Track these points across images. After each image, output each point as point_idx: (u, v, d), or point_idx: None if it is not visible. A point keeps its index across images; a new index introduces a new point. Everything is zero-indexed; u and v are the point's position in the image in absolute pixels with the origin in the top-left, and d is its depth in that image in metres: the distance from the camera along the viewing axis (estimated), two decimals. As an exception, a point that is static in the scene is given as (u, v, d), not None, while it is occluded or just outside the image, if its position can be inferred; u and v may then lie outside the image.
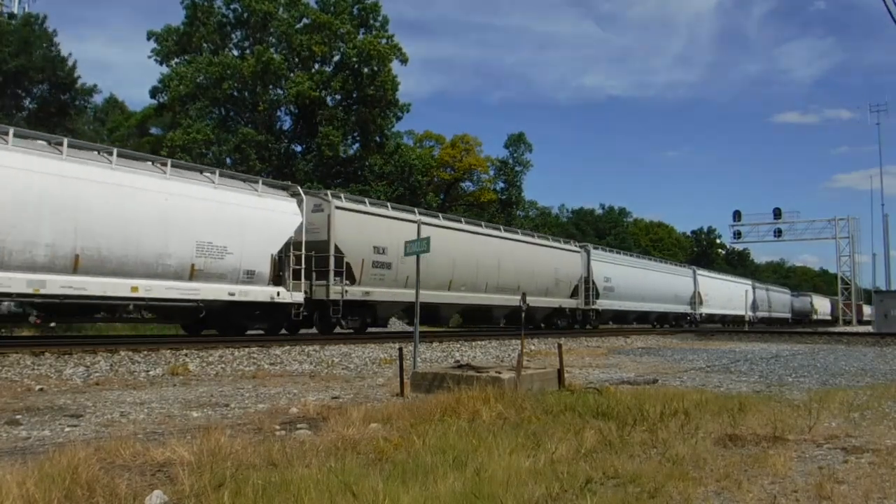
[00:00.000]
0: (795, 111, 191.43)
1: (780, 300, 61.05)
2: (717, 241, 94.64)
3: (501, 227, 26.66)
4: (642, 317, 37.74)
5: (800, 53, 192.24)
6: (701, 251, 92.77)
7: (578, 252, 30.44)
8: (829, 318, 73.21)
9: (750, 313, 47.40)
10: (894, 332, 28.10)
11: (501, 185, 51.09)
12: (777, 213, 62.77)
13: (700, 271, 45.04)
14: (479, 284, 22.67)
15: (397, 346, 9.87)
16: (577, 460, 4.24)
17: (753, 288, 51.20)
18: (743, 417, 5.86)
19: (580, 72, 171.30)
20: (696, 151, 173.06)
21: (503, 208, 49.67)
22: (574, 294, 29.17)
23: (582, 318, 29.98)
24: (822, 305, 74.32)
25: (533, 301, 23.05)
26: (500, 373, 7.25)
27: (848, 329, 43.50)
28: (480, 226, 24.55)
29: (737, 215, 64.34)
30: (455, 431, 4.97)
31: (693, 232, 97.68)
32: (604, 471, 3.99)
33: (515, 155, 50.49)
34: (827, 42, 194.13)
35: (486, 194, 49.50)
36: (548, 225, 65.15)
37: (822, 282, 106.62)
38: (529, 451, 4.39)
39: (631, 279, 34.28)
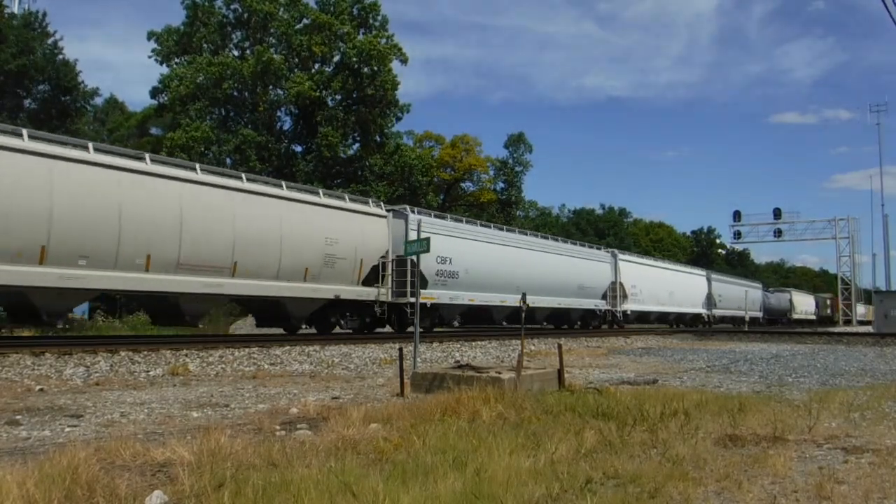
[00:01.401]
0: (795, 111, 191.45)
1: (747, 295, 53.91)
2: (717, 241, 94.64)
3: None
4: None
5: (800, 53, 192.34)
6: (701, 251, 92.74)
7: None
8: (813, 317, 68.34)
9: (705, 310, 43.67)
10: (894, 333, 28.10)
11: (501, 185, 51.14)
12: (777, 214, 62.79)
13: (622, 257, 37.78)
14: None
15: (397, 346, 9.87)
16: (577, 460, 4.24)
17: (709, 280, 45.60)
18: (743, 418, 5.85)
19: (580, 72, 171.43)
20: (696, 151, 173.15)
21: (503, 208, 49.69)
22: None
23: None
24: (803, 303, 68.50)
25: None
26: (500, 373, 7.25)
27: (848, 329, 43.48)
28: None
29: (737, 215, 64.37)
30: (455, 431, 4.97)
31: (693, 232, 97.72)
32: (604, 471, 3.99)
33: (515, 155, 50.54)
34: (827, 42, 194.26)
35: (486, 194, 49.53)
36: (548, 225, 65.19)
37: (822, 282, 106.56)
38: (529, 452, 4.39)
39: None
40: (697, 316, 42.92)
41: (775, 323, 57.47)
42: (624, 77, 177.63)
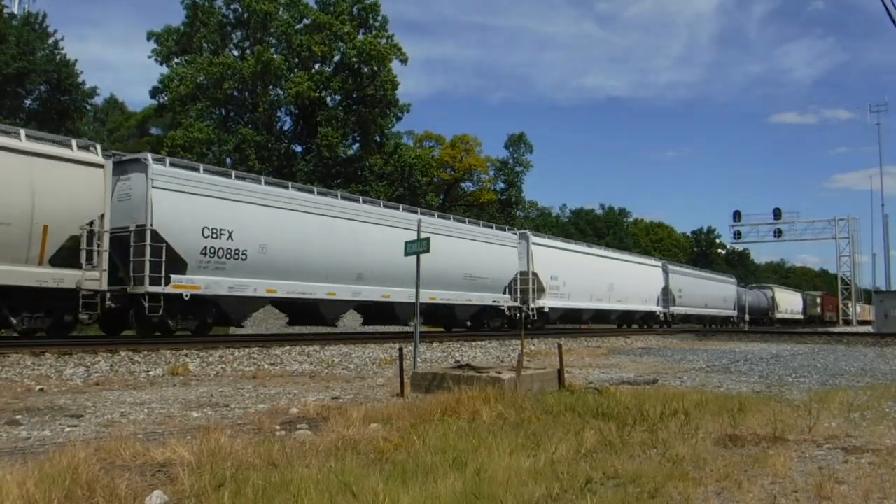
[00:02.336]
0: (795, 111, 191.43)
1: (716, 292, 46.34)
2: (717, 241, 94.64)
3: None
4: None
5: (800, 53, 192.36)
6: (701, 251, 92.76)
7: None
8: (800, 316, 62.96)
9: (660, 308, 37.06)
10: (894, 333, 28.11)
11: (501, 185, 51.14)
12: (777, 214, 62.79)
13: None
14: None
15: (397, 346, 9.87)
16: (577, 460, 4.24)
17: (666, 272, 38.23)
18: (743, 418, 5.86)
19: (580, 72, 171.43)
20: (696, 151, 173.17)
21: (503, 208, 49.70)
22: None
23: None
24: (787, 301, 62.16)
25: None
26: (500, 373, 7.25)
27: (848, 329, 43.43)
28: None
29: (737, 215, 64.37)
30: (455, 432, 4.97)
31: (693, 232, 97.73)
32: (604, 471, 3.99)
33: (516, 155, 50.54)
34: (827, 42, 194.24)
35: (486, 194, 49.54)
36: (548, 225, 65.17)
37: (822, 282, 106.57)
38: (529, 452, 4.39)
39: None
40: (651, 315, 36.55)
41: (754, 323, 51.57)
42: (624, 77, 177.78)
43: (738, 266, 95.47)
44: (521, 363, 7.47)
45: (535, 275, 25.53)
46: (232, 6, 39.03)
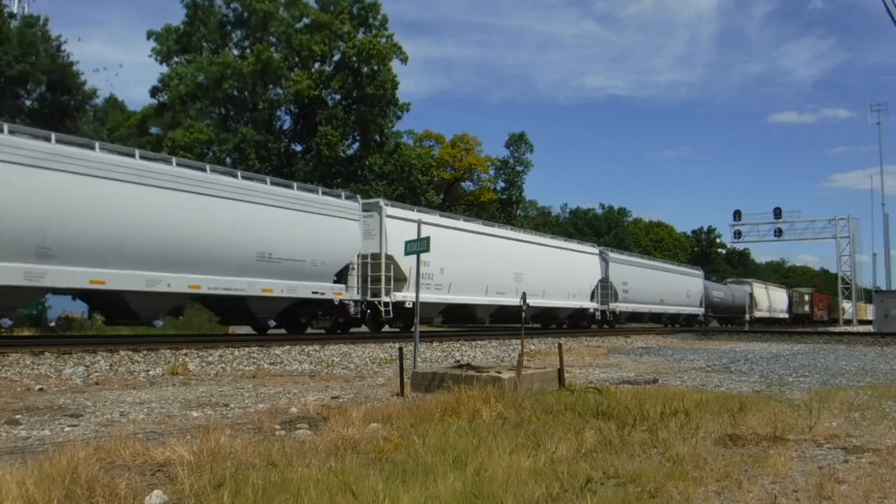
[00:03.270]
0: (795, 111, 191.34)
1: (676, 286, 38.90)
2: (718, 240, 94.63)
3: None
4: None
5: (801, 53, 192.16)
6: (701, 251, 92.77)
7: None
8: (785, 315, 57.29)
9: (595, 304, 30.80)
10: (894, 332, 28.10)
11: (502, 184, 51.17)
12: (777, 213, 62.69)
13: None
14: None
15: (397, 345, 9.87)
16: (577, 460, 4.24)
17: (605, 260, 31.58)
18: (743, 417, 5.85)
19: (581, 72, 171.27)
20: (696, 151, 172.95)
21: (503, 208, 49.72)
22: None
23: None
24: (768, 298, 55.31)
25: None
26: (500, 373, 7.25)
27: (848, 329, 43.42)
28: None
29: (737, 215, 64.28)
30: (455, 431, 4.97)
31: (693, 232, 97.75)
32: (604, 471, 3.99)
33: (516, 155, 50.57)
34: (828, 42, 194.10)
35: (486, 194, 49.55)
36: (548, 225, 65.19)
37: (822, 282, 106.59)
38: (529, 451, 4.38)
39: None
40: (582, 312, 30.25)
41: (727, 323, 47.09)
42: (624, 77, 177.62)
43: (739, 265, 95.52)
44: (521, 363, 7.47)
45: (389, 258, 19.31)
46: (232, 5, 39.08)
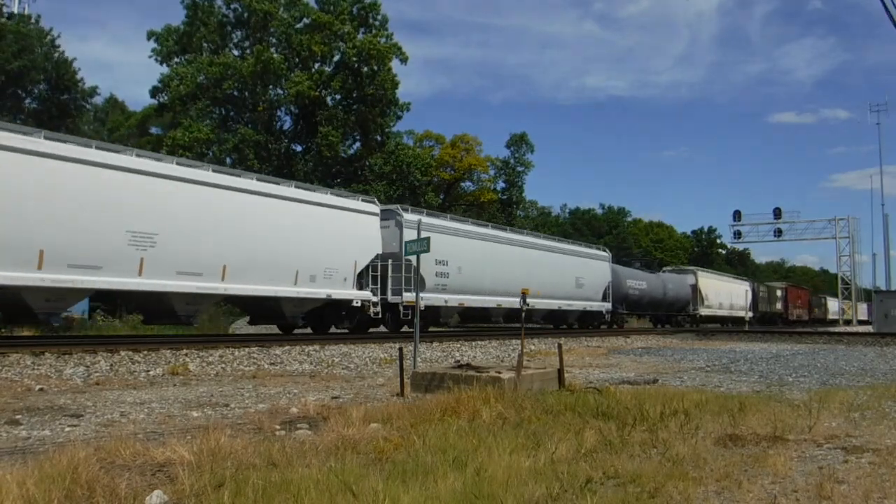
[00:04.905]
0: (794, 111, 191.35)
1: (565, 274, 28.05)
2: (718, 241, 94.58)
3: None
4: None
5: (801, 53, 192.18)
6: (701, 251, 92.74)
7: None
8: (745, 314, 44.44)
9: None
10: (894, 332, 28.10)
11: (502, 185, 51.17)
12: (777, 213, 62.76)
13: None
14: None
15: (397, 346, 9.87)
16: (577, 460, 4.24)
17: (400, 225, 20.06)
18: (743, 417, 5.85)
19: (581, 72, 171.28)
20: (696, 151, 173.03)
21: (504, 208, 49.71)
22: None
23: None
24: (721, 292, 44.69)
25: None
26: (500, 373, 7.25)
27: (848, 329, 43.38)
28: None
29: (737, 215, 64.33)
30: (455, 431, 4.97)
31: (693, 232, 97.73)
32: (604, 471, 3.99)
33: (517, 155, 50.55)
34: (828, 42, 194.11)
35: (486, 194, 49.54)
36: (547, 225, 65.20)
37: (822, 282, 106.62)
38: (529, 451, 4.39)
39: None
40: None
41: (662, 323, 38.54)
42: (625, 77, 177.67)
43: (739, 266, 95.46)
44: (521, 363, 7.47)
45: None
46: (232, 6, 39.08)
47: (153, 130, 43.24)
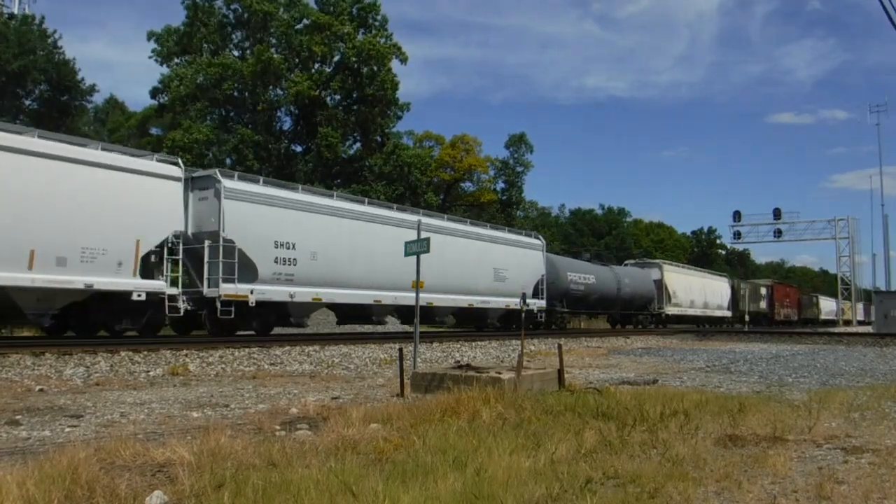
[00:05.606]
0: (794, 111, 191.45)
1: (482, 264, 23.25)
2: (718, 241, 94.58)
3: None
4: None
5: (801, 54, 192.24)
6: (701, 252, 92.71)
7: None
8: (722, 313, 42.94)
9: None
10: (894, 333, 28.10)
11: (502, 185, 51.17)
12: (777, 214, 62.82)
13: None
14: None
15: (397, 346, 9.87)
16: (577, 460, 4.24)
17: (219, 195, 15.54)
18: (743, 418, 5.85)
19: (581, 72, 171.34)
20: (696, 151, 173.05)
21: (503, 209, 49.72)
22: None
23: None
24: (691, 289, 39.80)
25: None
26: (500, 373, 7.25)
27: (848, 329, 43.33)
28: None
29: (737, 215, 64.40)
30: (455, 432, 4.97)
31: (693, 232, 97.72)
32: (604, 471, 3.99)
33: (516, 155, 50.56)
34: (828, 42, 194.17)
35: (485, 195, 49.54)
36: (547, 225, 65.17)
37: (822, 282, 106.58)
38: (529, 452, 4.39)
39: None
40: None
41: (622, 323, 34.75)
42: (625, 77, 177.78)
43: (739, 266, 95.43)
44: (521, 363, 7.47)
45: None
46: (232, 6, 39.07)
47: (153, 131, 43.24)
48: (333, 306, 19.25)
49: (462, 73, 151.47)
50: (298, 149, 40.34)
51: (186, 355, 11.69)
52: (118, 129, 46.02)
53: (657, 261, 41.29)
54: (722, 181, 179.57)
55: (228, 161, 34.64)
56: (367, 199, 20.98)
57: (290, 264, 16.71)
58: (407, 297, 18.20)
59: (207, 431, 4.51)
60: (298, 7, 39.09)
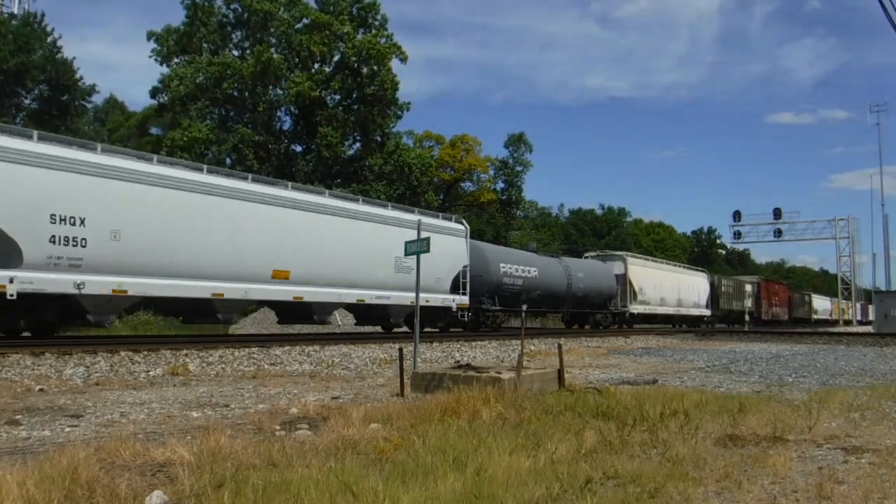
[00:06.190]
0: (794, 111, 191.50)
1: (378, 251, 18.78)
2: (718, 241, 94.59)
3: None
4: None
5: (801, 54, 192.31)
6: (701, 252, 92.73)
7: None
8: (700, 312, 39.29)
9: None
10: (894, 333, 28.10)
11: (501, 185, 51.18)
12: (777, 214, 62.84)
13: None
14: None
15: (397, 346, 9.87)
16: (577, 460, 4.24)
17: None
18: (743, 418, 5.85)
19: (582, 72, 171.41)
20: (696, 151, 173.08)
21: (503, 208, 49.73)
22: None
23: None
24: (662, 285, 35.52)
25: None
26: (500, 373, 7.25)
27: (848, 329, 43.31)
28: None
29: (737, 215, 64.42)
30: (455, 432, 4.97)
31: (693, 232, 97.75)
32: (604, 471, 3.99)
33: (516, 155, 50.56)
34: (828, 43, 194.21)
35: (485, 194, 49.55)
36: (547, 225, 65.16)
37: (822, 282, 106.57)
38: (529, 452, 4.39)
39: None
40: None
41: (579, 323, 30.71)
42: (625, 77, 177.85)
43: (739, 266, 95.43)
44: (521, 363, 7.47)
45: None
46: (232, 6, 39.08)
47: (153, 131, 43.26)
48: (150, 300, 14.55)
49: (462, 74, 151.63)
50: (298, 149, 40.35)
51: (186, 355, 11.69)
52: (118, 128, 46.04)
53: (620, 253, 36.57)
54: (722, 181, 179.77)
55: (228, 161, 34.65)
56: (205, 167, 15.77)
57: (75, 245, 12.54)
58: (259, 291, 15.34)
59: (207, 431, 4.51)
60: (298, 7, 39.09)
